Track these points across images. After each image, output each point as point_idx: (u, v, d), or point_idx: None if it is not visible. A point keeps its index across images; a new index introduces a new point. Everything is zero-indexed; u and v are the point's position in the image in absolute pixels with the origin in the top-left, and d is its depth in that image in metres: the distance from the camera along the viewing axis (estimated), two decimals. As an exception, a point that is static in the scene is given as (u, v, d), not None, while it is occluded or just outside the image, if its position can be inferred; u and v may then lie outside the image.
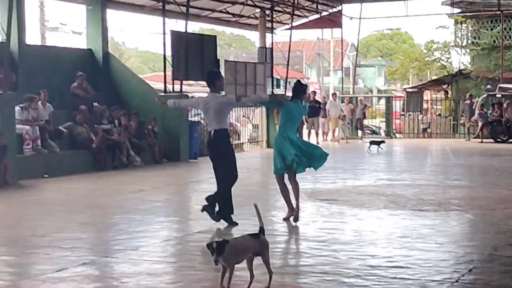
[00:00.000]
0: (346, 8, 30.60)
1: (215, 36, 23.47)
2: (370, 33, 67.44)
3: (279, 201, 9.73)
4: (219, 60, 22.95)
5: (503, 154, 20.81)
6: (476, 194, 12.18)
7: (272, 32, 26.99)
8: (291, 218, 9.31)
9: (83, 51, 19.60)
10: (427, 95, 35.30)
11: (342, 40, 33.64)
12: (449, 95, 32.23)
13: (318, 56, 61.35)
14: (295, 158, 9.09)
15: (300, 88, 9.43)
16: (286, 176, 9.43)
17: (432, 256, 7.31)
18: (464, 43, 33.23)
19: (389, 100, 32.14)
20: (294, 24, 28.33)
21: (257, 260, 5.94)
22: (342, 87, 32.07)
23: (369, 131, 32.37)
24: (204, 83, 29.82)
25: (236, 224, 8.98)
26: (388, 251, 7.59)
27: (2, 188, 13.07)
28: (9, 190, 12.98)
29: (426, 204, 10.92)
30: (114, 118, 17.41)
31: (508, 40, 31.76)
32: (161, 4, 20.41)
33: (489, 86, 29.65)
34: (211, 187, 13.89)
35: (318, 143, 26.08)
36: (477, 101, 27.85)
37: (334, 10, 29.87)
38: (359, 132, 29.36)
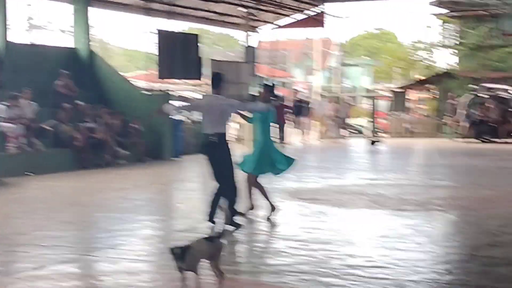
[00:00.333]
0: (331, 7, 30.65)
1: (197, 35, 23.43)
2: (358, 34, 67.63)
3: (258, 199, 9.75)
4: (200, 58, 22.93)
5: (487, 154, 20.94)
6: (458, 194, 12.24)
7: (254, 31, 26.98)
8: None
9: (68, 49, 19.55)
10: (412, 94, 35.43)
11: (323, 39, 33.63)
12: (434, 95, 32.38)
13: (305, 56, 61.42)
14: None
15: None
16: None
17: (410, 256, 7.34)
18: (451, 43, 33.41)
19: (373, 99, 32.25)
20: (280, 23, 28.35)
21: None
22: (330, 87, 32.16)
23: (353, 130, 32.48)
24: (189, 81, 29.82)
25: (240, 225, 8.96)
26: (367, 250, 7.63)
27: (-15, 186, 13.07)
28: (-9, 187, 12.97)
29: (407, 204, 10.96)
30: (98, 117, 17.38)
31: (494, 40, 31.91)
32: (146, 3, 20.38)
33: (474, 86, 29.80)
34: (194, 186, 14.03)
35: (303, 142, 26.18)
36: (463, 101, 27.99)
37: (317, 9, 29.89)
38: (343, 131, 29.47)
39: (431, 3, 32.14)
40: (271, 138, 9.68)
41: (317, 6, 29.76)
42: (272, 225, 9.24)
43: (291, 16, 29.24)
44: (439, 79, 32.18)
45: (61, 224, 9.25)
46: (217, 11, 26.22)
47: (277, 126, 24.17)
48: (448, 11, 32.42)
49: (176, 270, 5.42)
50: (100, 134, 16.84)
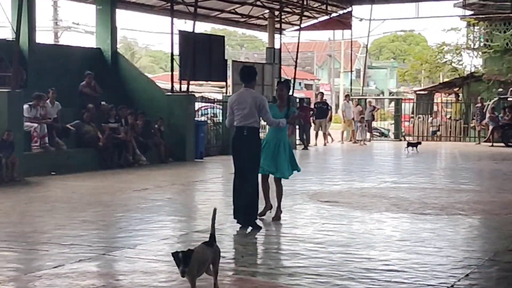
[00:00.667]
0: (357, 9, 30.62)
1: (223, 37, 23.52)
2: (383, 35, 67.31)
3: (274, 200, 9.77)
4: (226, 60, 23.00)
5: (513, 158, 20.72)
6: (481, 199, 12.10)
7: (280, 33, 26.98)
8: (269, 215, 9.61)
9: (92, 50, 19.70)
10: (437, 97, 35.17)
11: (351, 41, 33.55)
12: (460, 98, 32.09)
13: (329, 58, 61.31)
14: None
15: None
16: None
17: (429, 260, 7.28)
18: (476, 46, 33.08)
19: (398, 102, 32.06)
20: (304, 25, 28.33)
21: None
22: (351, 89, 32.04)
23: (377, 133, 32.32)
24: (213, 83, 29.88)
25: (260, 227, 8.98)
26: (385, 254, 7.58)
27: (9, 184, 13.22)
28: (15, 186, 13.11)
29: (428, 207, 10.88)
30: (121, 117, 17.48)
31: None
32: (169, 4, 20.48)
33: (500, 90, 29.50)
34: (215, 187, 14.06)
35: (325, 144, 26.12)
36: (488, 105, 27.75)
37: (344, 11, 29.84)
38: (368, 134, 29.34)
39: (455, 5, 31.86)
40: (285, 142, 9.61)
41: (344, 8, 29.75)
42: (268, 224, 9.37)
43: (317, 18, 29.25)
44: (465, 82, 31.90)
45: (81, 223, 9.32)
46: (242, 12, 26.31)
47: (302, 128, 24.19)
48: (472, 13, 32.12)
49: (180, 274, 5.36)
50: (123, 135, 16.94)
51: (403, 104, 31.57)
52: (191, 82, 20.85)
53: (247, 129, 8.79)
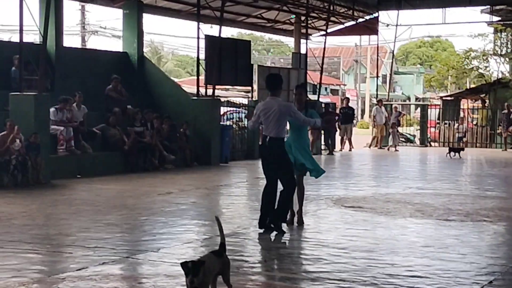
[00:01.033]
0: (383, 15, 30.52)
1: (249, 41, 23.60)
2: (409, 40, 66.98)
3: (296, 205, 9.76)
4: (252, 65, 23.05)
5: (539, 165, 20.51)
6: (506, 205, 11.99)
7: (307, 38, 26.98)
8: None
9: (118, 54, 19.86)
10: (464, 103, 34.92)
11: (378, 47, 33.44)
12: (486, 104, 31.83)
13: (356, 63, 61.14)
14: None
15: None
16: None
17: (453, 266, 7.23)
18: (504, 52, 32.80)
19: (424, 108, 31.88)
20: (330, 30, 28.30)
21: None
22: (377, 94, 31.92)
23: (403, 139, 32.14)
24: (239, 88, 29.93)
25: (284, 232, 8.98)
26: (409, 260, 7.54)
27: (35, 187, 13.35)
28: (41, 189, 13.22)
29: (453, 214, 10.82)
30: (146, 121, 17.59)
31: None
32: (196, 9, 20.59)
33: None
34: (239, 191, 14.08)
35: (350, 150, 26.04)
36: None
37: (370, 16, 29.76)
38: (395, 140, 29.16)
39: (482, 11, 31.61)
40: (305, 147, 9.59)
41: (371, 13, 29.67)
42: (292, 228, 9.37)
43: (343, 23, 29.20)
44: (491, 88, 31.62)
45: (106, 226, 9.38)
46: (268, 17, 26.34)
47: (327, 133, 24.16)
48: (500, 19, 31.85)
49: (188, 285, 5.30)
50: (148, 139, 17.04)
51: (429, 110, 31.42)
52: (217, 87, 20.93)
53: (270, 139, 8.87)
